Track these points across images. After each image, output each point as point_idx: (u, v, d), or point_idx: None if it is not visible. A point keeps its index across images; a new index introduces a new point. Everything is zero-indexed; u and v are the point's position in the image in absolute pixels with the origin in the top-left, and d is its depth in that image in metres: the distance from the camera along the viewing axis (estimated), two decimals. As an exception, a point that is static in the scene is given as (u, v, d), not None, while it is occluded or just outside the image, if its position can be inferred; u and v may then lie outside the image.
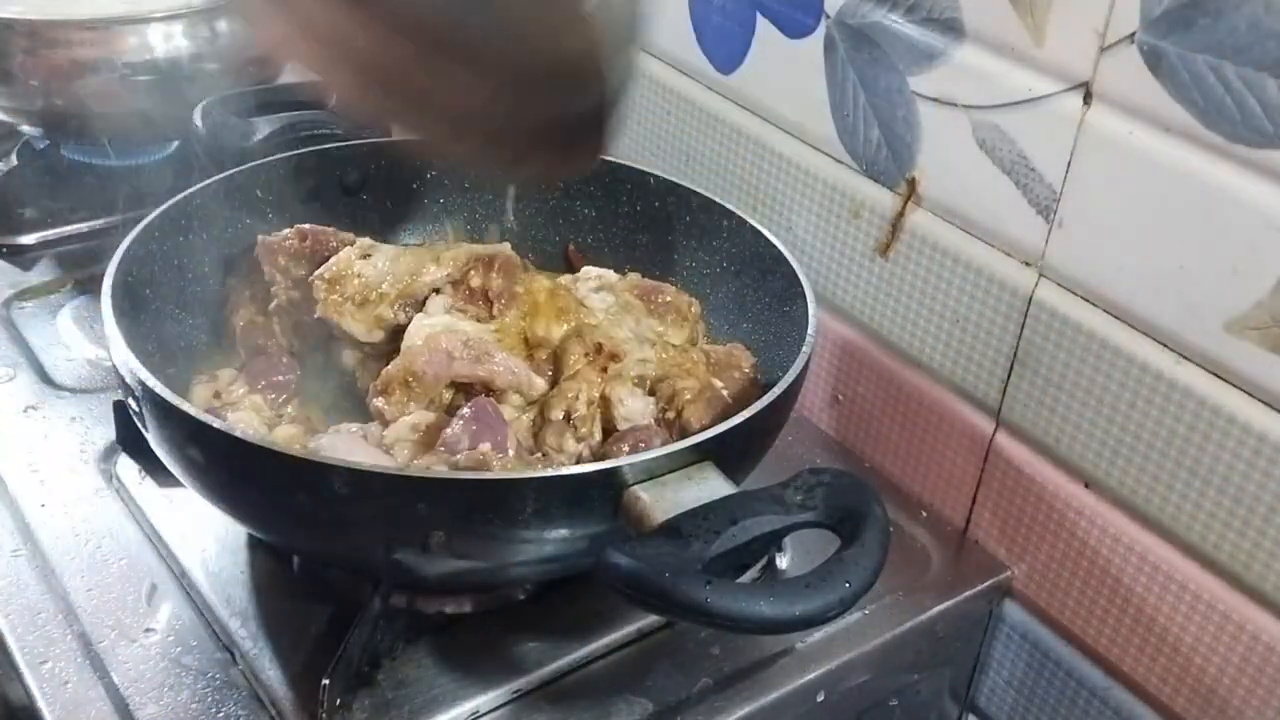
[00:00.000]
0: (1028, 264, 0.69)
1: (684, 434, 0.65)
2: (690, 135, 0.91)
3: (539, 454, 0.66)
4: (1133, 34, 0.60)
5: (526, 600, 0.68)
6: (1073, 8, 0.62)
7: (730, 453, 0.59)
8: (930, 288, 0.75)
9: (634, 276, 0.79)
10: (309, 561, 0.69)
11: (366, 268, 0.72)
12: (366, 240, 0.76)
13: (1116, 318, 0.65)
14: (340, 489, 0.55)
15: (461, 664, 0.64)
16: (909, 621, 0.70)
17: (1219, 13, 0.56)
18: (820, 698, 0.67)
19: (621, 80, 0.56)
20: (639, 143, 0.97)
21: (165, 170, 1.07)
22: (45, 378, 0.83)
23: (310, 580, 0.68)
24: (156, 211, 0.72)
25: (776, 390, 0.62)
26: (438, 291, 0.72)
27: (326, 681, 0.59)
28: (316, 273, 0.72)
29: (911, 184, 0.74)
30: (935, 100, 0.71)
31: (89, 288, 0.91)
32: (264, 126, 0.84)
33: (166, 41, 0.96)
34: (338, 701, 0.60)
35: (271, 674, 0.62)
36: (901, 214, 0.76)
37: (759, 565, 0.71)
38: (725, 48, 0.86)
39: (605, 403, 0.68)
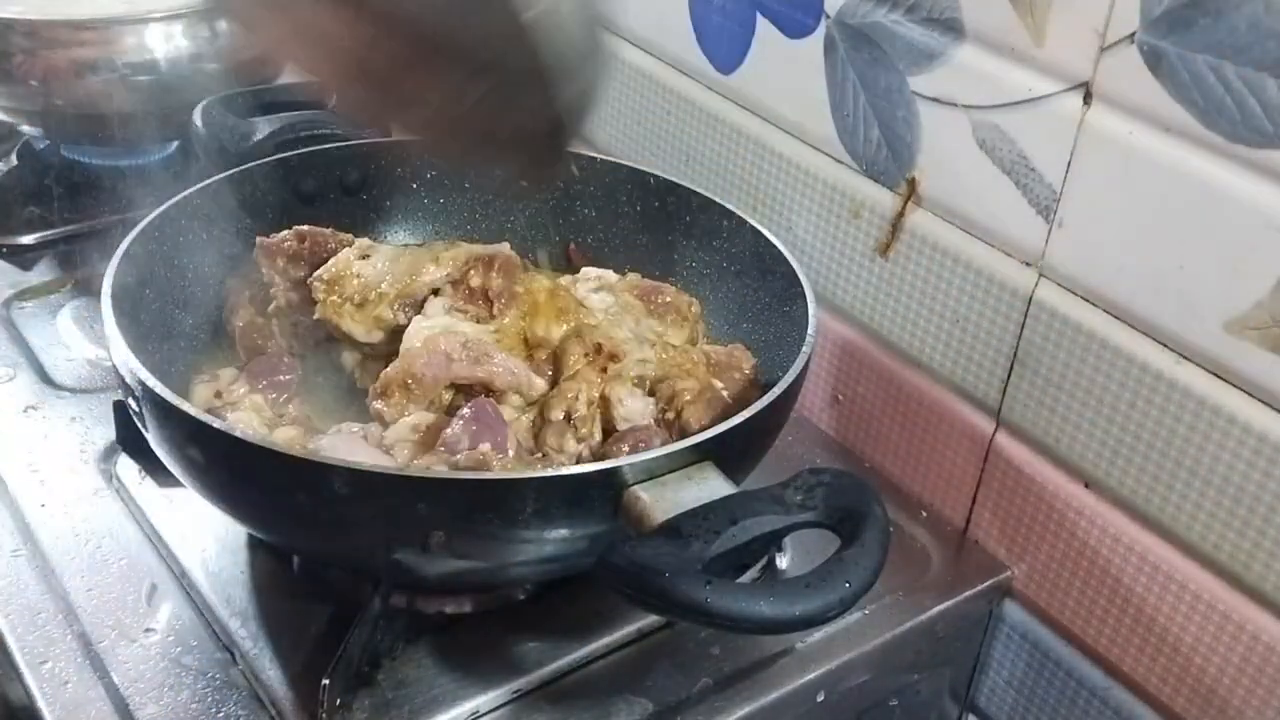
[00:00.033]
0: (1028, 264, 0.69)
1: (684, 434, 0.65)
2: (690, 135, 0.91)
3: (539, 454, 0.66)
4: (1133, 34, 0.60)
5: (526, 600, 0.68)
6: (1073, 8, 0.62)
7: (730, 453, 0.59)
8: (930, 288, 0.75)
9: (634, 277, 0.79)
10: (309, 561, 0.69)
11: (365, 268, 0.72)
12: (365, 241, 0.76)
13: (1116, 318, 0.65)
14: (340, 489, 0.55)
15: (461, 664, 0.64)
16: (909, 621, 0.70)
17: (1219, 13, 0.56)
18: (820, 698, 0.67)
19: (586, 86, 0.56)
20: (639, 143, 0.97)
21: (165, 170, 1.07)
22: (45, 378, 0.83)
23: (310, 580, 0.68)
24: (156, 211, 0.72)
25: (776, 390, 0.62)
26: (437, 292, 0.72)
27: (326, 681, 0.59)
28: (315, 274, 0.72)
29: (911, 184, 0.74)
30: (935, 100, 0.71)
31: (89, 288, 0.91)
32: (264, 126, 0.84)
33: (166, 41, 0.96)
34: (338, 701, 0.60)
35: (271, 674, 0.62)
36: (901, 214, 0.76)
37: (759, 565, 0.71)
38: (725, 48, 0.86)
39: (605, 403, 0.68)
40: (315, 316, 0.71)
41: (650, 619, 0.67)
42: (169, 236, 0.73)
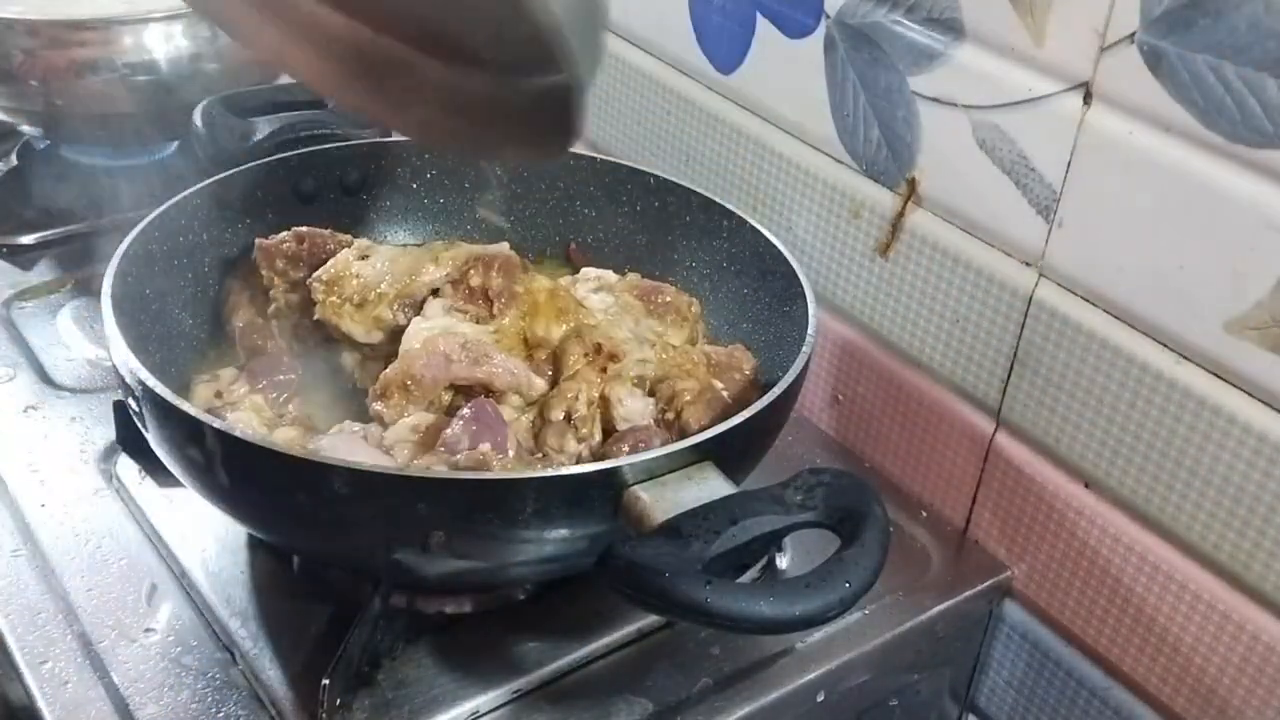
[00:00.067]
0: (1028, 264, 0.69)
1: (683, 435, 0.65)
2: (690, 135, 0.91)
3: (539, 454, 0.66)
4: (1133, 34, 0.60)
5: (526, 600, 0.68)
6: (1073, 8, 0.62)
7: (730, 453, 0.59)
8: (930, 288, 0.75)
9: (633, 277, 0.79)
10: (309, 561, 0.69)
11: (365, 268, 0.72)
12: (364, 241, 0.76)
13: (1116, 318, 0.65)
14: (340, 489, 0.55)
15: (461, 664, 0.64)
16: (909, 621, 0.70)
17: (1219, 13, 0.56)
18: (820, 698, 0.67)
19: (589, 61, 0.55)
20: (639, 143, 0.97)
21: (165, 170, 1.07)
22: (45, 378, 0.83)
23: (310, 580, 0.68)
24: (156, 211, 0.72)
25: (776, 390, 0.62)
26: (436, 293, 0.72)
27: (326, 681, 0.59)
28: (315, 275, 0.72)
29: (911, 184, 0.74)
30: (935, 100, 0.71)
31: (89, 288, 0.91)
32: (264, 126, 0.84)
33: (166, 41, 0.96)
34: (338, 701, 0.60)
35: (271, 674, 0.62)
36: (901, 214, 0.76)
37: (759, 565, 0.71)
38: (725, 48, 0.86)
39: (605, 403, 0.68)
40: (315, 317, 0.71)
41: (650, 619, 0.67)
42: (169, 236, 0.73)
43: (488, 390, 0.67)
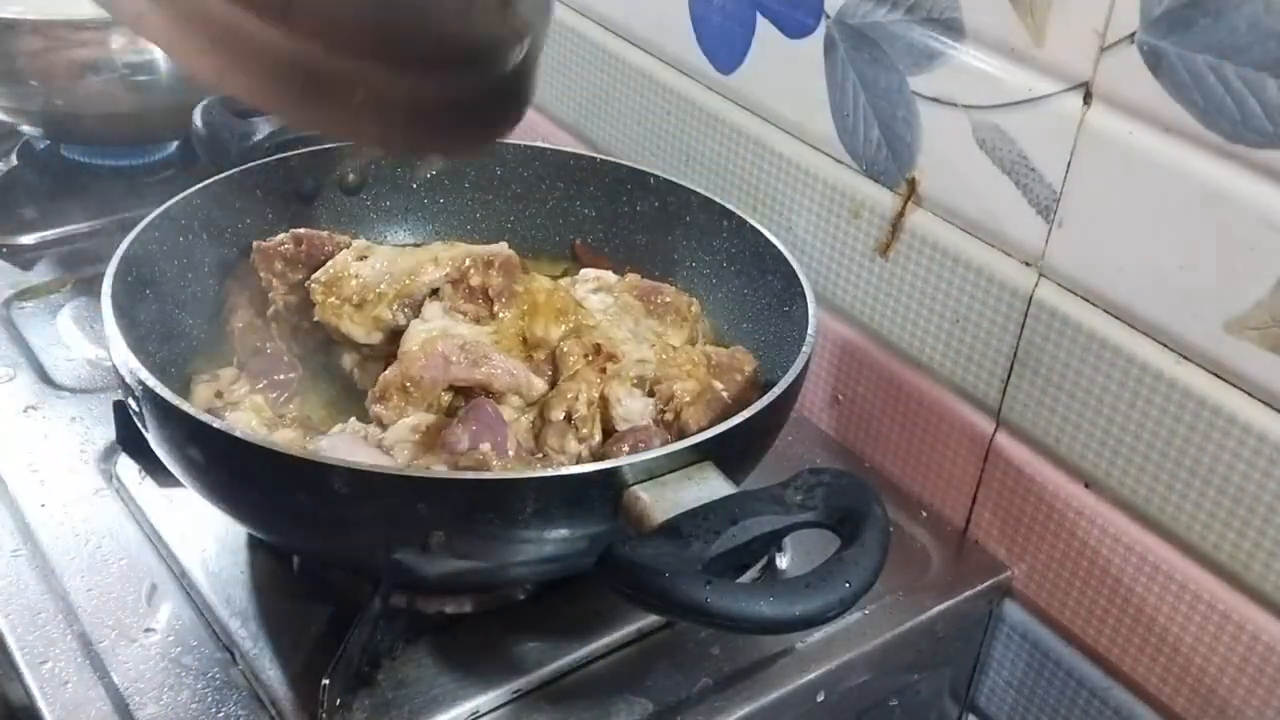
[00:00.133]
0: (1028, 264, 0.69)
1: (683, 435, 0.65)
2: (690, 135, 0.91)
3: (539, 454, 0.66)
4: (1133, 34, 0.60)
5: (526, 600, 0.68)
6: (1073, 8, 0.62)
7: (730, 453, 0.59)
8: (930, 288, 0.75)
9: (633, 277, 0.79)
10: (309, 561, 0.69)
11: (364, 269, 0.72)
12: (362, 242, 0.76)
13: (1116, 318, 0.65)
14: (340, 489, 0.55)
15: (461, 664, 0.64)
16: (909, 621, 0.70)
17: (1219, 13, 0.56)
18: (820, 698, 0.67)
19: (542, 24, 0.54)
20: (639, 143, 0.97)
21: (165, 170, 1.07)
22: (45, 378, 0.83)
23: (310, 580, 0.68)
24: (156, 211, 0.72)
25: (776, 390, 0.62)
26: (435, 294, 0.72)
27: (326, 681, 0.59)
28: (313, 276, 0.72)
29: (911, 184, 0.74)
30: (935, 100, 0.71)
31: (89, 288, 0.91)
32: (264, 126, 0.84)
33: (166, 42, 0.96)
34: (338, 701, 0.60)
35: (271, 674, 0.62)
36: (901, 214, 0.76)
37: (759, 565, 0.71)
38: (725, 48, 0.86)
39: (604, 403, 0.68)
40: (314, 318, 0.71)
41: (650, 619, 0.67)
42: (169, 236, 0.73)
43: (487, 391, 0.67)
